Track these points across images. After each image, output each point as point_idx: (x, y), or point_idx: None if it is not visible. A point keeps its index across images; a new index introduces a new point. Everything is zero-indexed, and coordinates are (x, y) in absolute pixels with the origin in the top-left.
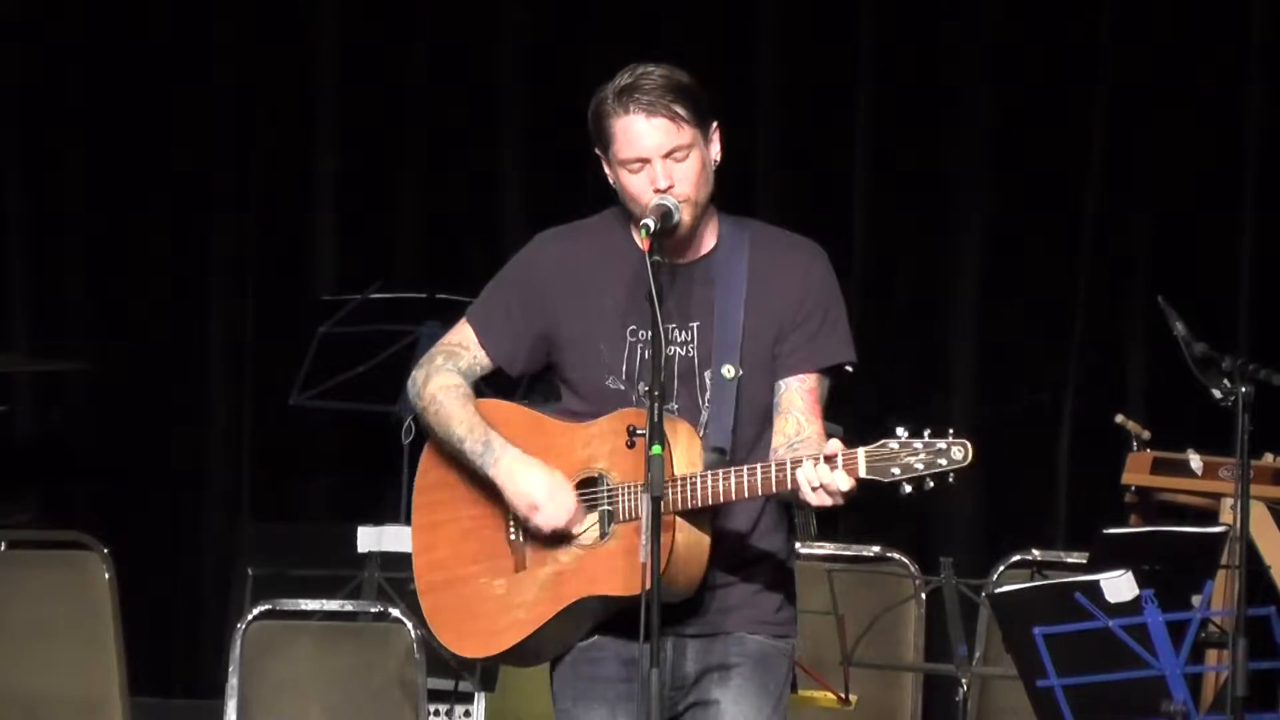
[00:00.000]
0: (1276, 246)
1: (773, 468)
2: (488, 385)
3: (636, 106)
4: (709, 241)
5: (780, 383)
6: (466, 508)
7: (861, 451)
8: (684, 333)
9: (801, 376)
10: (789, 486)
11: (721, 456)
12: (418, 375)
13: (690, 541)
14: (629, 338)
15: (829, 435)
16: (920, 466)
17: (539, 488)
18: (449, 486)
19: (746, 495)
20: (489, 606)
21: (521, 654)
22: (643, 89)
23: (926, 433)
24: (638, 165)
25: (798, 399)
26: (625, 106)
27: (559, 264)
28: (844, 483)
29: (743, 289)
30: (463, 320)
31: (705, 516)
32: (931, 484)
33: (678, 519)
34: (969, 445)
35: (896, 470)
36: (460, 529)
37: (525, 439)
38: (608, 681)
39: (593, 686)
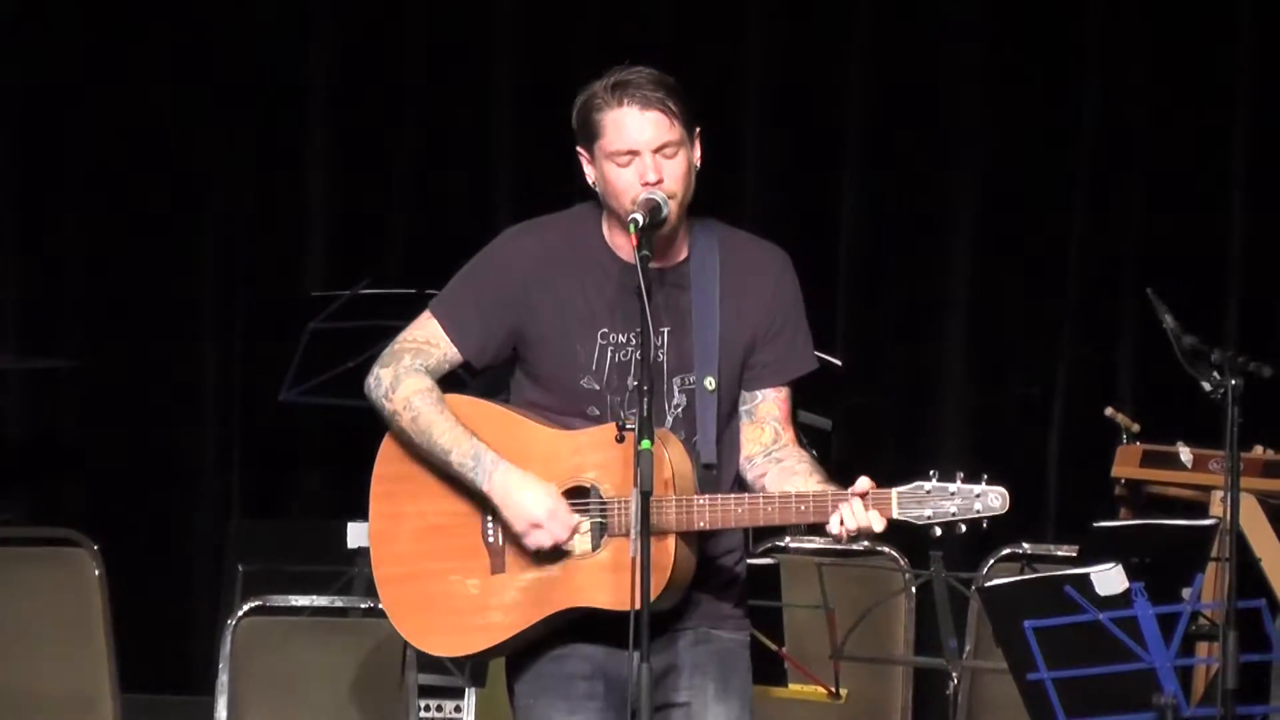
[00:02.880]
0: (1266, 239)
1: (810, 499)
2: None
3: (631, 100)
4: (682, 248)
5: (756, 393)
6: (434, 503)
7: (895, 493)
8: (656, 337)
9: (778, 388)
10: (816, 518)
11: (710, 472)
12: (383, 375)
13: (687, 557)
14: (599, 340)
15: (818, 428)
16: (954, 511)
17: (539, 506)
18: (413, 479)
19: (767, 522)
20: (460, 605)
21: (493, 655)
22: (637, 84)
23: (959, 476)
24: (626, 158)
25: (775, 409)
26: (619, 99)
27: (531, 260)
28: (878, 524)
29: (716, 298)
30: (425, 315)
31: (695, 535)
32: (964, 529)
33: (678, 538)
34: (1005, 494)
35: (929, 513)
36: (426, 524)
37: (505, 442)
38: (571, 679)
39: (556, 683)
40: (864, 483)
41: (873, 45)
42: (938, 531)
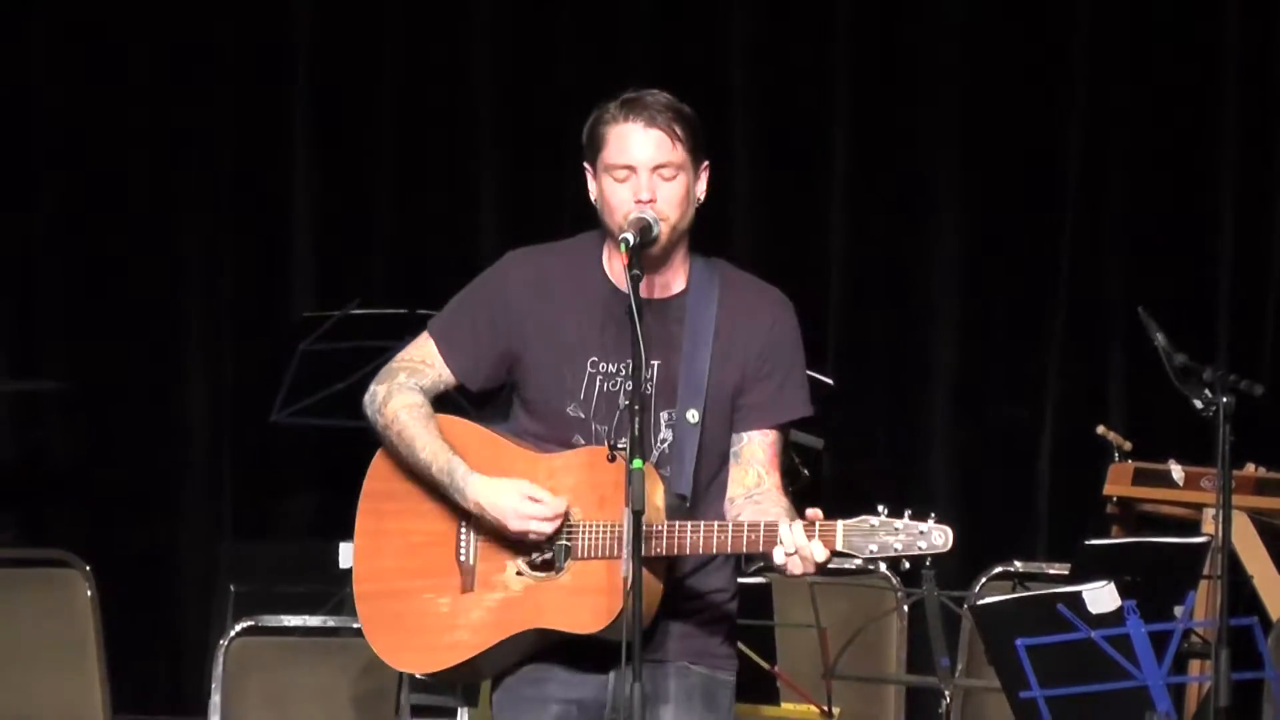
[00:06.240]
0: (1256, 256)
1: (761, 528)
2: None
3: (636, 116)
4: (679, 282)
5: (743, 434)
6: (415, 521)
7: (840, 525)
8: (645, 370)
9: (764, 430)
10: (764, 548)
11: (682, 503)
12: (377, 391)
13: (649, 585)
14: (589, 369)
15: (810, 448)
16: (899, 547)
17: (512, 501)
18: (398, 498)
19: (719, 551)
20: (430, 623)
21: (460, 674)
22: (646, 103)
23: (907, 513)
24: (624, 173)
25: (759, 452)
26: (625, 115)
27: (529, 285)
28: (820, 554)
29: (710, 334)
30: (424, 335)
31: (662, 563)
32: (907, 565)
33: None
34: (949, 532)
35: (874, 548)
36: (407, 543)
37: (484, 462)
38: (545, 702)
39: (530, 706)
40: (813, 513)
41: (859, 58)
42: (882, 567)
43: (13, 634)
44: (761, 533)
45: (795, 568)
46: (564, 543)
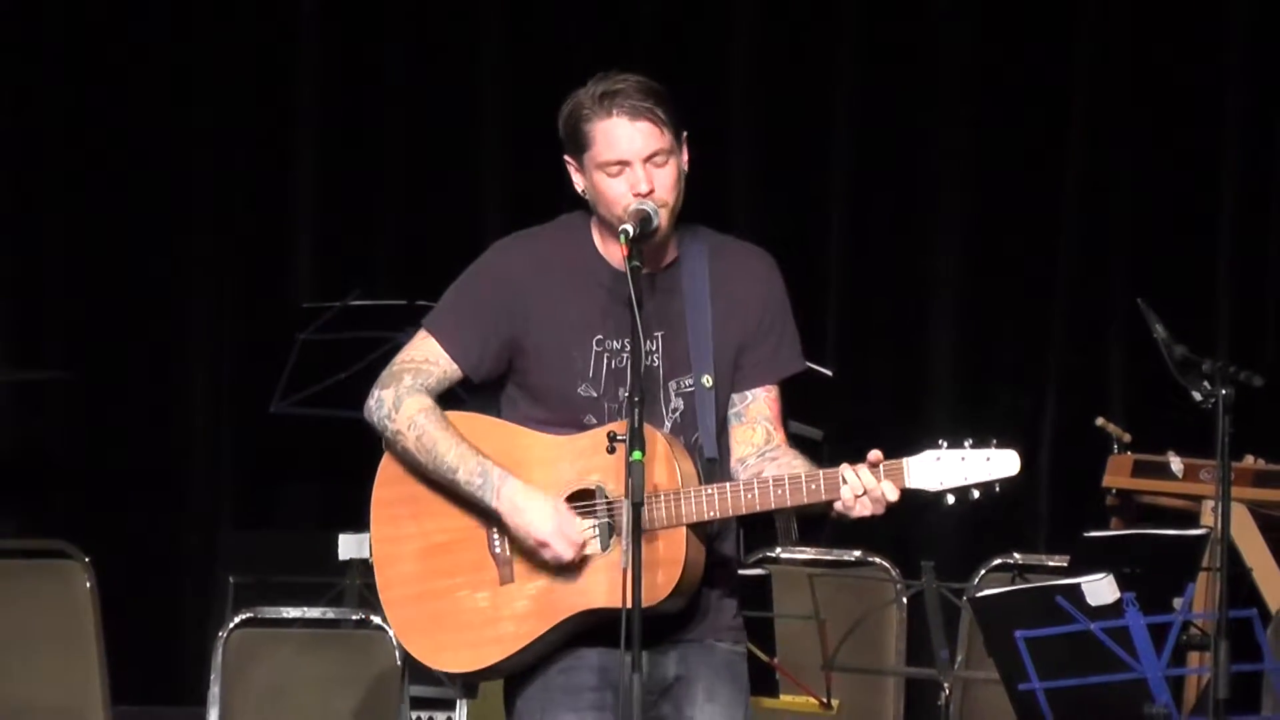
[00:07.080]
0: (1256, 248)
1: (821, 476)
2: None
3: (620, 110)
4: (671, 252)
5: (746, 393)
6: (436, 520)
7: (906, 461)
8: (649, 343)
9: (768, 386)
10: (827, 496)
11: (713, 466)
12: (384, 396)
13: (698, 553)
14: (595, 347)
15: (809, 438)
16: (967, 477)
17: (545, 524)
18: (413, 500)
19: (777, 505)
20: (470, 619)
21: (506, 667)
22: (625, 93)
23: (968, 443)
24: (617, 169)
25: (765, 409)
26: (608, 110)
27: (526, 270)
28: (891, 493)
29: (707, 299)
30: (422, 334)
31: (705, 529)
32: (977, 494)
33: (689, 532)
34: (1016, 455)
35: (943, 480)
36: (430, 542)
37: (506, 453)
38: (579, 691)
39: (564, 696)
40: (875, 454)
41: (862, 52)
42: (950, 499)
43: (12, 625)
44: (822, 481)
45: (864, 509)
46: (607, 520)
